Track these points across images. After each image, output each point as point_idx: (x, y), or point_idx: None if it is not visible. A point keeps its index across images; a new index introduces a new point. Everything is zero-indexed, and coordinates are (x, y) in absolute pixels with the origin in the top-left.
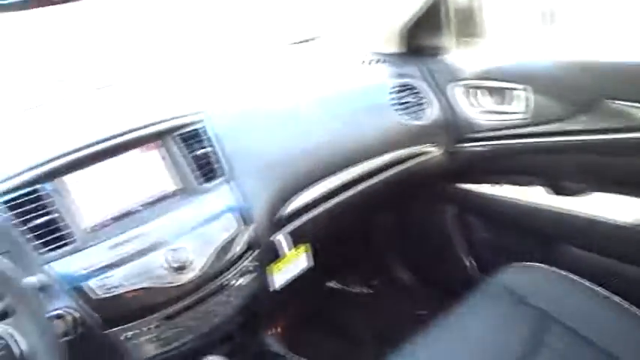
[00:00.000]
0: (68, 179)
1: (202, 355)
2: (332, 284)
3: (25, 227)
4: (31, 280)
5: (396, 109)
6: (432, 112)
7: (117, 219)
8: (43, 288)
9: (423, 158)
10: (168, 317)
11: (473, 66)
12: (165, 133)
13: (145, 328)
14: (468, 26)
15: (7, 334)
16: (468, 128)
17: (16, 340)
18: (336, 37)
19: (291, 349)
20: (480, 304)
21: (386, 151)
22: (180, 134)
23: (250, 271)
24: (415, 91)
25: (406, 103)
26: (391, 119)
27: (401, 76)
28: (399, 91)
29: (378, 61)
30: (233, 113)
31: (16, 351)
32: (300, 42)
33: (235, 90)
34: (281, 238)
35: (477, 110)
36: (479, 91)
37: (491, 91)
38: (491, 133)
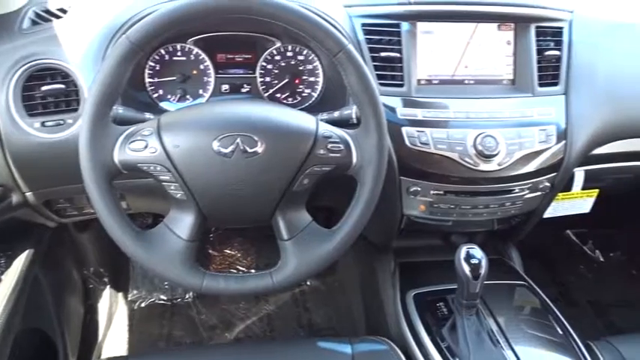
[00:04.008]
0: (422, 27)
1: (457, 241)
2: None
3: (371, 54)
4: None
5: None
6: None
7: (446, 82)
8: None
9: None
10: (452, 192)
11: None
12: (523, 19)
13: (430, 191)
14: None
15: (350, 141)
16: None
17: (355, 149)
18: None
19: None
20: None
21: None
22: (539, 27)
23: (540, 189)
24: None
25: None
26: None
27: None
28: None
29: None
30: (598, 25)
31: (353, 159)
32: None
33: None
34: (580, 175)
35: None
36: None
37: None
38: None
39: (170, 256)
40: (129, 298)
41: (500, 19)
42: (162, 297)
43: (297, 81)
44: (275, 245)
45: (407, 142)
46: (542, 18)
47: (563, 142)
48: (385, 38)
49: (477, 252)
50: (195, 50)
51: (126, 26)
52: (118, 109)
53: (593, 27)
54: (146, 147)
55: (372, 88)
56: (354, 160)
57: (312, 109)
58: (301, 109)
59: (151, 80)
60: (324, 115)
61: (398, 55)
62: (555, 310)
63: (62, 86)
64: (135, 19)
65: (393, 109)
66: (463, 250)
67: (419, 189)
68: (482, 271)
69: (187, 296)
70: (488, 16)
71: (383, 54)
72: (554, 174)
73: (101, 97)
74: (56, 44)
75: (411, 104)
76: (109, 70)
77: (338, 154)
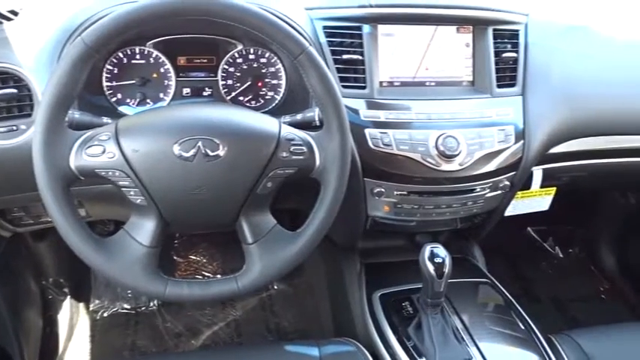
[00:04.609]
0: (383, 29)
1: (422, 241)
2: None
3: (333, 57)
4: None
5: None
6: None
7: (408, 84)
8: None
9: None
10: (415, 193)
11: None
12: (480, 22)
13: (394, 192)
14: None
15: (313, 143)
16: None
17: (318, 151)
18: None
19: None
20: None
21: None
22: (496, 29)
23: (501, 188)
24: None
25: None
26: None
27: None
28: None
29: None
30: (553, 28)
31: (316, 161)
32: None
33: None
34: (538, 173)
35: None
36: None
37: None
38: None
39: (131, 263)
40: (91, 309)
41: (459, 21)
42: (126, 306)
43: (259, 84)
44: (241, 250)
45: (370, 144)
46: (499, 21)
47: (522, 141)
48: (347, 41)
49: (441, 251)
50: (155, 53)
51: (81, 28)
52: (74, 114)
53: (548, 29)
54: (104, 152)
55: (334, 90)
56: (317, 162)
57: (275, 112)
58: (264, 112)
59: (109, 84)
60: (287, 118)
61: (360, 57)
62: (517, 306)
63: (14, 91)
64: (91, 21)
65: (356, 111)
66: (427, 250)
67: (383, 190)
68: (446, 269)
69: (152, 304)
70: (447, 19)
71: (345, 56)
72: (514, 173)
73: (55, 100)
74: (7, 47)
75: (373, 106)
76: (64, 73)
77: (301, 157)
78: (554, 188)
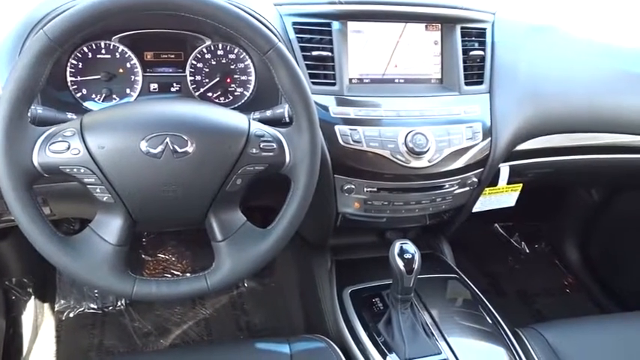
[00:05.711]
0: (352, 26)
1: (392, 238)
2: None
3: (303, 53)
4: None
5: None
6: None
7: (377, 81)
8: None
9: None
10: (385, 189)
11: None
12: (448, 20)
13: (364, 189)
14: None
15: (283, 139)
16: None
17: (288, 147)
18: None
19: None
20: None
21: None
22: (463, 27)
23: (469, 185)
24: None
25: None
26: None
27: None
28: None
29: None
30: (519, 27)
31: (286, 158)
32: None
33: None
34: (505, 170)
35: None
36: None
37: None
38: None
39: (98, 262)
40: (56, 309)
41: (427, 19)
42: (92, 306)
43: (228, 80)
44: (211, 248)
45: (340, 141)
46: (467, 19)
47: (489, 138)
48: (316, 37)
49: (410, 247)
50: (121, 48)
51: (44, 21)
52: (37, 109)
53: (515, 29)
54: (68, 148)
55: (303, 86)
56: (287, 158)
57: (245, 108)
58: (234, 109)
59: (73, 79)
60: (257, 114)
61: (330, 54)
62: (485, 300)
63: None
64: (54, 14)
65: (325, 108)
66: (397, 246)
67: (353, 187)
68: (416, 265)
69: (119, 304)
70: (415, 16)
71: (314, 53)
72: (481, 169)
73: (17, 95)
74: None
75: (343, 103)
76: (25, 67)
77: (271, 153)
78: (521, 185)
